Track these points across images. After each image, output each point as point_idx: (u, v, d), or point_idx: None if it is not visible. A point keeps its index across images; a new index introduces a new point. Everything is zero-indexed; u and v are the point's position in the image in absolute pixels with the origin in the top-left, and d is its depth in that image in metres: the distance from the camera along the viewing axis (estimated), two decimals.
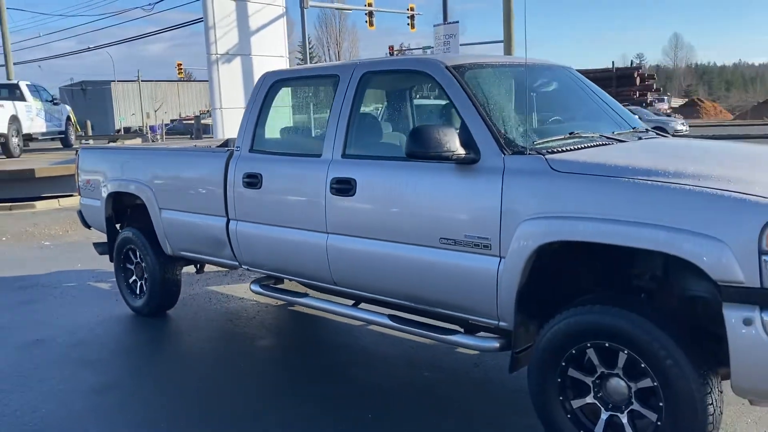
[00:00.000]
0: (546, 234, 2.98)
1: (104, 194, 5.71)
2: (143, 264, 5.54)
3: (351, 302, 4.35)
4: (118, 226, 5.92)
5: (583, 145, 3.41)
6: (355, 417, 3.67)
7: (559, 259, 3.15)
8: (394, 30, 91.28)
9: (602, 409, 2.95)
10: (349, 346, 4.88)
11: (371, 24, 29.53)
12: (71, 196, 12.79)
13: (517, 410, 3.65)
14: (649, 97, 41.37)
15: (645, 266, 3.11)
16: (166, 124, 45.31)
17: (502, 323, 3.27)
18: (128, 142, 23.02)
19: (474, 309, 3.38)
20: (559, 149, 3.30)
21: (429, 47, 27.58)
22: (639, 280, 3.16)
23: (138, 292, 5.71)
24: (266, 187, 4.31)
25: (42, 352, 4.90)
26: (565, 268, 3.22)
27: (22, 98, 17.57)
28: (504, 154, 3.23)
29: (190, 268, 5.88)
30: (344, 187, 3.82)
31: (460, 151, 3.27)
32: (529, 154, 3.20)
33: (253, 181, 4.37)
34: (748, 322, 2.50)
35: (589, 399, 2.98)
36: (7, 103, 16.49)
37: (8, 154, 16.16)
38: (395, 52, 38.58)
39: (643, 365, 2.76)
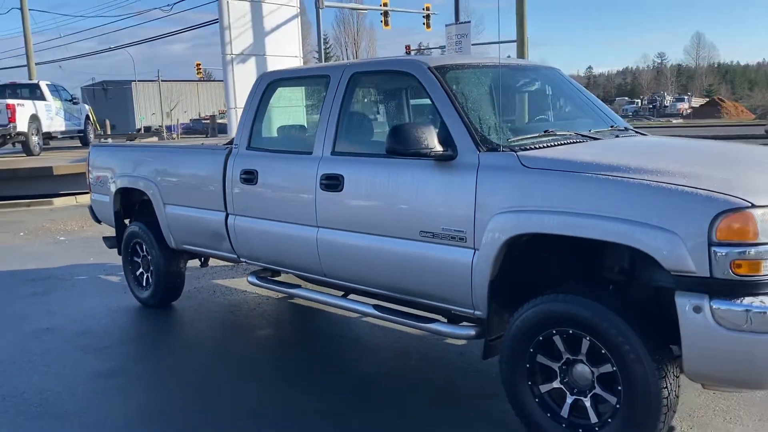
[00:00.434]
0: (515, 227, 3.14)
1: (113, 190, 5.96)
2: (149, 257, 5.77)
3: (341, 293, 4.54)
4: (126, 221, 6.16)
5: (555, 143, 3.55)
6: (346, 403, 3.85)
7: (533, 252, 3.30)
8: (413, 30, 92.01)
9: (568, 393, 3.10)
10: (344, 337, 5.08)
11: (386, 24, 29.67)
12: (88, 193, 13.04)
13: (498, 395, 3.79)
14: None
15: (614, 259, 3.24)
16: (183, 124, 45.81)
17: (477, 312, 3.43)
18: (145, 141, 23.39)
19: (451, 299, 3.54)
20: (532, 146, 3.45)
21: (444, 47, 27.64)
22: (609, 272, 3.29)
23: (144, 284, 5.94)
24: (262, 183, 4.51)
25: (51, 339, 5.15)
26: (538, 260, 3.37)
27: (42, 98, 18.01)
28: (479, 151, 3.38)
29: (196, 263, 6.11)
30: (333, 183, 3.99)
31: (438, 148, 3.42)
32: (502, 151, 3.36)
33: (249, 177, 4.56)
34: (698, 309, 2.65)
35: (556, 384, 3.14)
36: (28, 102, 16.92)
37: (28, 152, 16.57)
38: (412, 52, 38.64)
39: (603, 351, 2.91)
